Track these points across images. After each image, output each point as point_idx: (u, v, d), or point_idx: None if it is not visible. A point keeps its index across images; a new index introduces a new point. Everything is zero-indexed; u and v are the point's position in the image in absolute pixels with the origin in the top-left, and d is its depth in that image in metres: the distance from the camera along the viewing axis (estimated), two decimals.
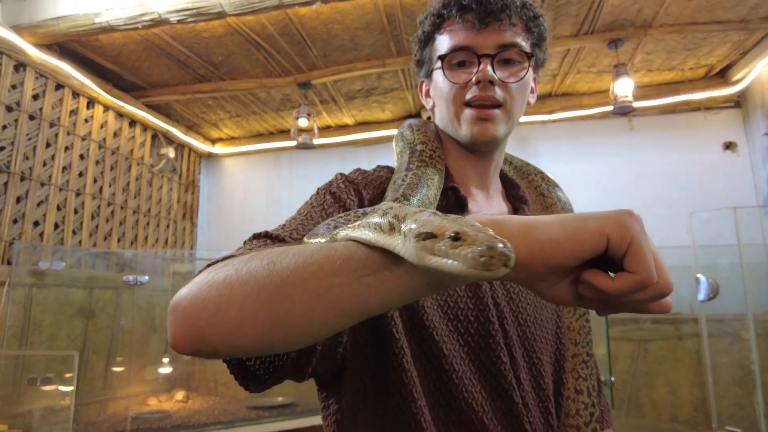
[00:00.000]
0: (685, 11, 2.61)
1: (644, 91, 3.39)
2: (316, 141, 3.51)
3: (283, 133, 4.03)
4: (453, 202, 0.78)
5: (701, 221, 2.09)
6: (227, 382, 3.61)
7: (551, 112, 3.53)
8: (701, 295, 1.91)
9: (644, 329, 3.12)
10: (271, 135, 4.14)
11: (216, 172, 4.34)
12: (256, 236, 0.60)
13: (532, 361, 0.74)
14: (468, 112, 0.74)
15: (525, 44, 0.75)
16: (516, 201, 0.87)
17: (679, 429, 2.89)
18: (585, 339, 0.82)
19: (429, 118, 0.93)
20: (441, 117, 0.81)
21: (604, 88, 3.24)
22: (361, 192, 0.74)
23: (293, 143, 3.41)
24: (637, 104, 3.35)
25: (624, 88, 2.80)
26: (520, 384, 0.71)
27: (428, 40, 0.80)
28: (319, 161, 4.02)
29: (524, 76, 0.75)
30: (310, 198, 0.72)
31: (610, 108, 2.99)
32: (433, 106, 0.84)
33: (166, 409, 3.04)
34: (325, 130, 3.99)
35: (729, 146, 3.39)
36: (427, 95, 0.85)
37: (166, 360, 3.33)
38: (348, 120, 3.89)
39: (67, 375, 2.60)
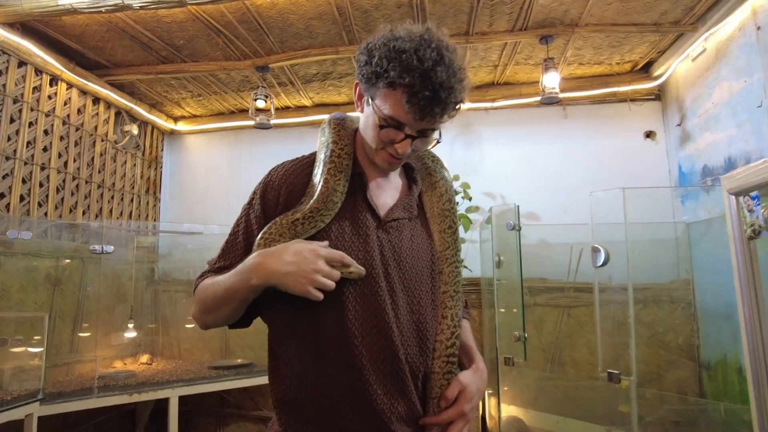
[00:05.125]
0: (605, 13, 2.92)
1: (577, 82, 3.74)
2: (276, 121, 3.71)
3: (243, 113, 4.20)
4: (359, 184, 1.07)
5: (598, 200, 2.44)
6: (190, 347, 3.86)
7: (493, 100, 3.84)
8: (599, 262, 2.26)
9: (568, 297, 3.52)
10: (232, 114, 4.31)
11: (179, 149, 4.49)
12: (206, 271, 1.09)
13: (411, 294, 1.02)
14: (382, 155, 1.02)
15: (442, 123, 0.98)
16: (410, 180, 1.17)
17: (570, 375, 3.35)
18: (453, 280, 1.09)
19: None
20: (363, 136, 1.05)
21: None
22: (279, 192, 1.05)
23: (253, 122, 3.61)
24: (570, 95, 3.71)
25: (551, 80, 3.11)
26: (396, 308, 0.98)
27: (381, 75, 0.92)
28: (278, 140, 4.22)
29: (431, 146, 1.04)
30: (239, 216, 1.10)
31: None
32: (361, 111, 1.05)
33: (131, 370, 3.26)
34: (285, 110, 4.19)
35: (649, 135, 3.78)
36: (360, 98, 1.03)
37: (131, 326, 3.54)
38: (306, 102, 4.10)
39: (36, 337, 2.80)
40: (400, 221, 1.07)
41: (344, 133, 1.08)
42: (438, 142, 1.03)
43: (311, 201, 0.99)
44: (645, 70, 3.72)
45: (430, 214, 1.14)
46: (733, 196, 1.69)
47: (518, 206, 2.47)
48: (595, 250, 2.24)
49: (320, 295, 0.90)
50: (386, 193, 1.10)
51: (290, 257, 0.90)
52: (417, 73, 0.88)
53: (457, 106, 0.97)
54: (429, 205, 1.15)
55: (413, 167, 1.18)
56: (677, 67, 3.45)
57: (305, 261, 0.89)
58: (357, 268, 0.95)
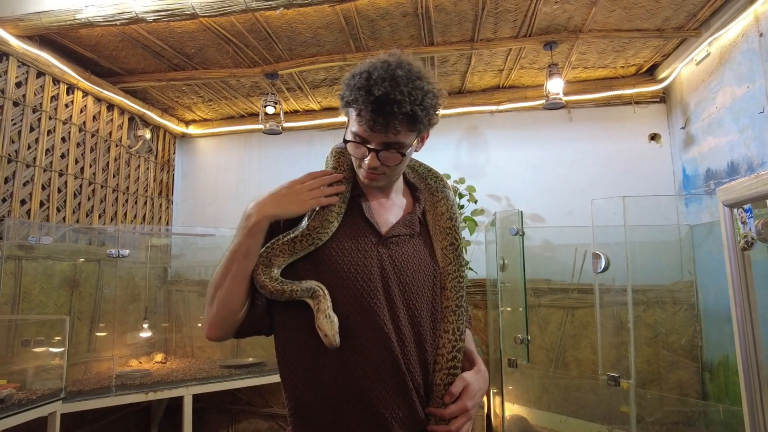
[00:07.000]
0: (609, 20, 2.96)
1: (581, 85, 3.77)
2: (285, 124, 3.80)
3: (253, 116, 4.29)
4: (356, 206, 1.13)
5: (598, 207, 2.49)
6: (202, 346, 3.97)
7: (499, 103, 3.89)
8: (599, 268, 2.32)
9: (571, 298, 3.57)
10: (242, 118, 4.40)
11: (190, 152, 4.59)
12: None
13: (410, 307, 1.07)
14: (362, 171, 1.09)
15: (406, 139, 1.02)
16: (414, 199, 1.22)
17: (572, 375, 3.41)
18: (455, 295, 1.14)
19: None
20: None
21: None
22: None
23: (262, 127, 3.69)
24: (574, 98, 3.75)
25: (555, 86, 3.15)
26: (396, 319, 1.04)
27: (342, 98, 1.04)
28: (287, 143, 4.31)
29: (399, 162, 1.06)
30: None
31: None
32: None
33: (146, 368, 3.38)
34: (293, 114, 4.27)
35: (654, 137, 3.81)
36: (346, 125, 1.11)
37: (145, 325, 3.66)
38: (314, 105, 4.17)
39: (57, 338, 2.92)
40: (401, 237, 1.13)
41: (343, 160, 1.16)
42: (403, 156, 1.05)
43: (308, 220, 1.08)
44: (649, 73, 3.74)
45: (432, 231, 1.20)
46: (728, 208, 1.74)
47: (522, 212, 2.53)
48: (596, 257, 2.30)
49: (332, 200, 1.07)
50: (389, 211, 1.17)
51: (282, 190, 1.05)
52: (363, 91, 0.98)
53: (415, 119, 0.99)
54: (432, 223, 1.22)
55: (417, 187, 1.24)
56: (682, 71, 3.48)
57: (295, 185, 1.06)
58: (332, 338, 0.95)
